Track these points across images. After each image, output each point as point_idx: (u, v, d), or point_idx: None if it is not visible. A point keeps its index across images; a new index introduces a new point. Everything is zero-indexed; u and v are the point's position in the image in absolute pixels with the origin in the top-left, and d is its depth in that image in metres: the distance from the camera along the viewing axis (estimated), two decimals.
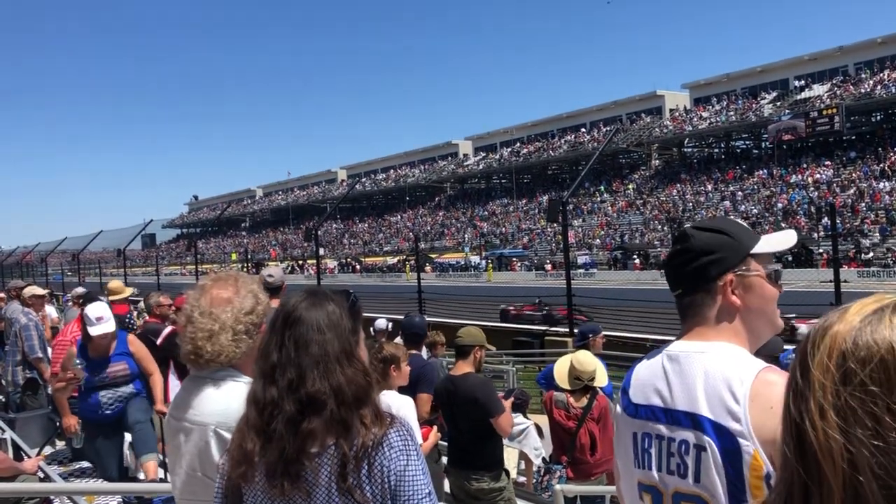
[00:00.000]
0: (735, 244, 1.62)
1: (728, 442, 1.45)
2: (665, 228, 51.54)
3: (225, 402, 2.06)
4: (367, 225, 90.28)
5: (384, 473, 1.63)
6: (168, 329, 6.94)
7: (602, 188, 66.37)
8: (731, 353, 1.56)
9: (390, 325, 9.84)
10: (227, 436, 1.98)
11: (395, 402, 4.01)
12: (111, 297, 8.60)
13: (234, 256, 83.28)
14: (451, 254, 65.61)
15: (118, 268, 45.74)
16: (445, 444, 5.23)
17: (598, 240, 56.56)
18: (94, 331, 5.41)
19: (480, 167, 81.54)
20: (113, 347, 5.63)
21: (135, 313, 11.74)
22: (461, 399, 4.75)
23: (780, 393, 1.42)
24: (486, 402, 4.68)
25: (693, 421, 1.52)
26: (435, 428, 4.95)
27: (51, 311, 11.57)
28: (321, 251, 44.36)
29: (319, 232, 34.43)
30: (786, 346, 4.89)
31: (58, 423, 7.77)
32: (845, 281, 15.03)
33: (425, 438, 4.69)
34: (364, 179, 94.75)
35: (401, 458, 1.65)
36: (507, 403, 4.96)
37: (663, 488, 1.58)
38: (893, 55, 52.40)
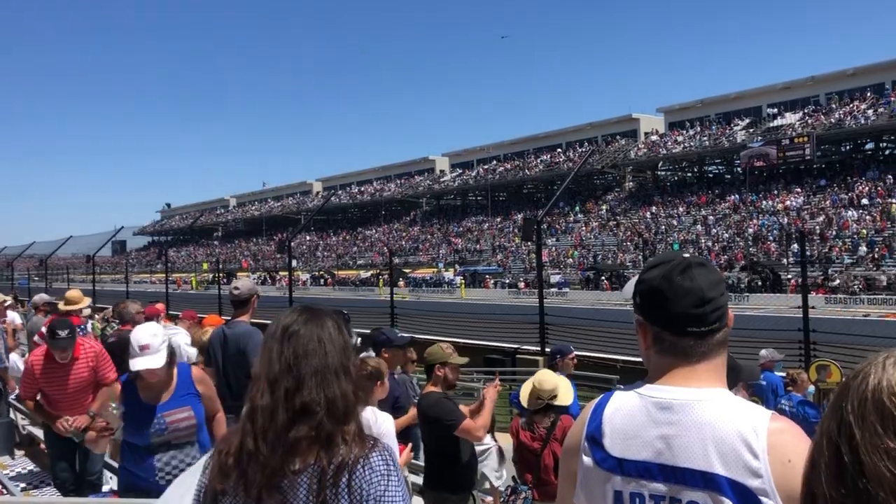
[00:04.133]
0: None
1: (749, 501, 1.35)
2: (637, 250, 51.97)
3: None
4: (341, 238, 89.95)
5: (363, 496, 1.63)
6: None
7: (576, 208, 66.85)
8: (731, 400, 1.46)
9: (359, 339, 9.78)
10: None
11: (376, 418, 3.99)
12: (66, 308, 8.43)
13: (205, 266, 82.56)
14: (425, 269, 65.53)
15: (87, 274, 45.04)
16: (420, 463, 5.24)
17: (571, 259, 56.87)
18: (136, 364, 3.81)
19: (456, 184, 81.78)
20: (173, 388, 3.99)
21: (89, 324, 11.52)
22: (422, 419, 4.82)
23: (793, 443, 1.36)
24: (439, 417, 4.66)
25: (705, 480, 1.39)
26: (409, 446, 4.92)
27: (14, 316, 11.34)
28: (294, 263, 44.07)
29: (293, 244, 34.14)
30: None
31: (16, 434, 7.61)
32: (813, 307, 15.22)
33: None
34: (340, 192, 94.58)
35: (381, 482, 1.65)
36: (467, 409, 4.95)
37: None
38: (863, 87, 53.60)
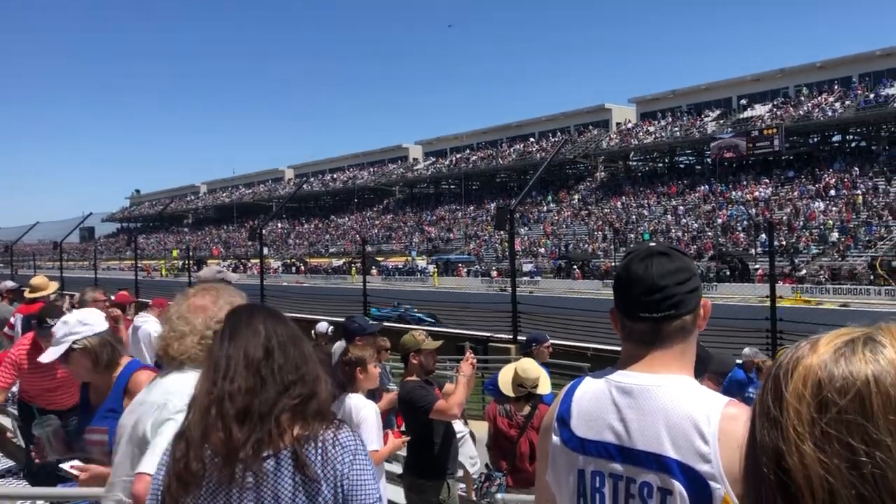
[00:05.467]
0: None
1: (698, 485, 1.39)
2: (608, 240, 52.34)
3: (176, 385, 2.21)
4: (313, 226, 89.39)
5: (336, 473, 1.68)
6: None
7: (549, 198, 67.08)
8: (690, 386, 1.49)
9: (331, 328, 9.76)
10: (162, 414, 2.16)
11: (358, 405, 4.00)
12: (32, 294, 8.28)
13: (175, 253, 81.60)
14: (398, 257, 65.43)
15: (54, 261, 44.30)
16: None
17: (543, 248, 57.12)
18: (43, 357, 3.02)
19: (430, 172, 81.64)
20: (106, 398, 2.98)
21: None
22: (402, 408, 4.95)
23: (745, 429, 1.39)
24: (416, 401, 4.73)
25: (658, 462, 1.43)
26: (392, 432, 4.94)
27: None
28: (265, 251, 43.75)
29: (264, 231, 33.94)
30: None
31: None
32: (780, 297, 15.46)
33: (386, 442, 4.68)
34: (312, 179, 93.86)
35: (351, 459, 1.71)
36: (438, 391, 5.01)
37: None
38: (831, 80, 54.40)
